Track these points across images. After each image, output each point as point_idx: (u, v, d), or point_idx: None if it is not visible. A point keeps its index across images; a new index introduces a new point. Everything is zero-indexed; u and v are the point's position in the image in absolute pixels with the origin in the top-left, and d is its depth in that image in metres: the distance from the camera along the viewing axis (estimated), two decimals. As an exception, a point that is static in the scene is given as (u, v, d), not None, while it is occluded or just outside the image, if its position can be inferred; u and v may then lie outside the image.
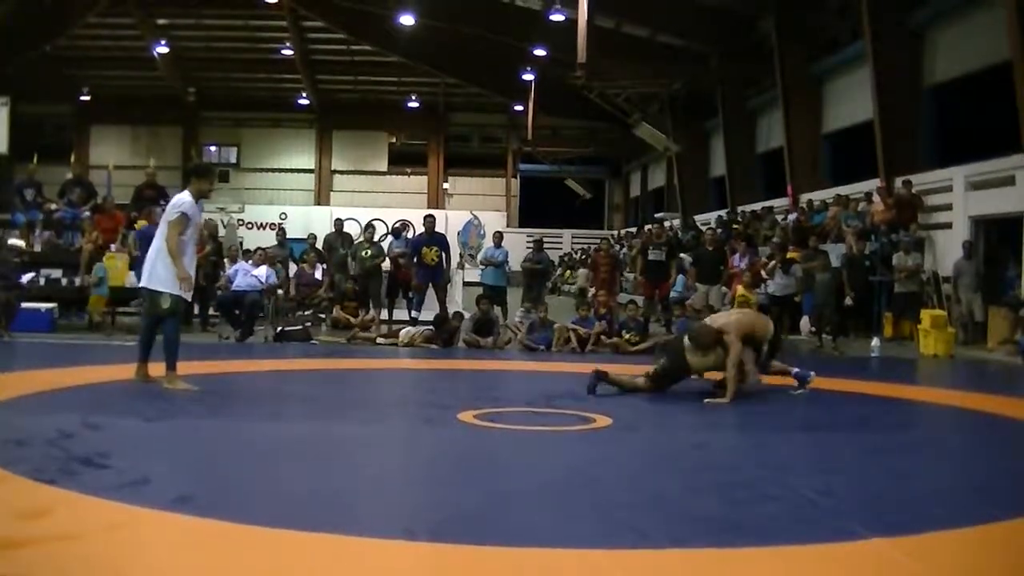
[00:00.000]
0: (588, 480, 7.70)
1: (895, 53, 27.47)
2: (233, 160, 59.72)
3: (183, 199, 11.98)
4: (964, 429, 11.56)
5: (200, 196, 12.19)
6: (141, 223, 21.44)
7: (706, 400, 12.14)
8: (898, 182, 25.80)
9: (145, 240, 17.93)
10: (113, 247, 21.86)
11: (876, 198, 26.40)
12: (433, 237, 22.47)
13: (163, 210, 13.58)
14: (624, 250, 38.44)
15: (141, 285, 12.21)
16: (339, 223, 25.58)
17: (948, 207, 24.62)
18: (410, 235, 25.97)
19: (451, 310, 21.49)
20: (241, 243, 30.97)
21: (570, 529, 6.14)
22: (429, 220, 23.00)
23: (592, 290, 25.39)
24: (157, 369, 12.02)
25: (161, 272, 11.78)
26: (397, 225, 26.06)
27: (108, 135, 57.11)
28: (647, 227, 32.83)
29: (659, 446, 9.53)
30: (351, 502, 6.84)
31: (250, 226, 48.18)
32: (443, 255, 22.28)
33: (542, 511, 6.63)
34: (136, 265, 17.88)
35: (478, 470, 8.21)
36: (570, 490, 7.32)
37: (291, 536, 5.71)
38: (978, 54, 24.78)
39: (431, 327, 20.01)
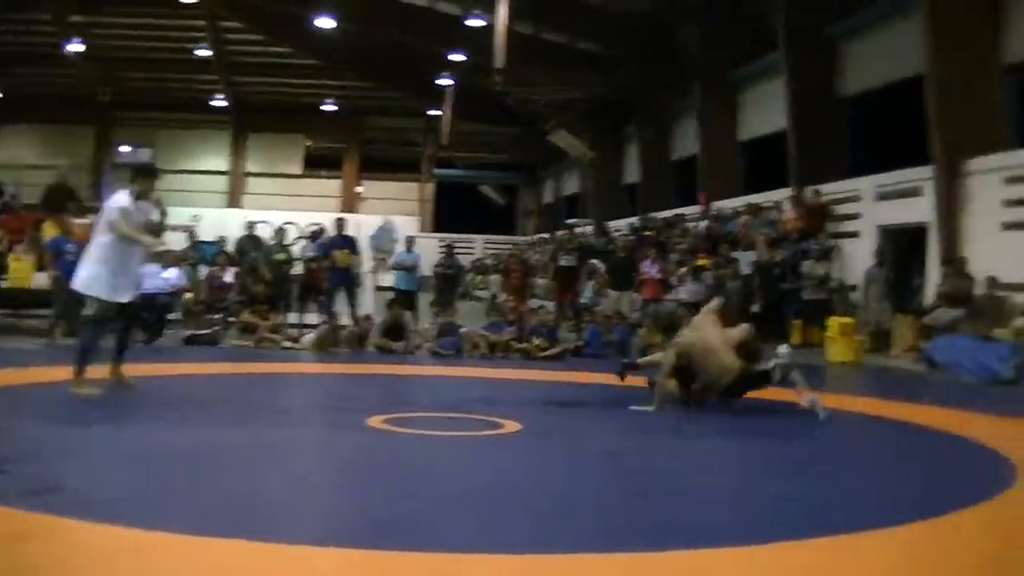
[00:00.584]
0: (499, 486, 7.73)
1: (810, 64, 27.75)
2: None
3: (120, 198, 11.96)
4: (871, 435, 11.68)
5: (141, 196, 12.14)
6: (51, 231, 21.17)
7: (631, 407, 12.14)
8: (808, 191, 26.06)
9: (56, 250, 17.86)
10: (18, 248, 21.58)
11: (787, 206, 26.65)
12: (345, 240, 22.39)
13: (74, 216, 13.48)
14: (536, 256, 38.56)
15: (73, 287, 12.17)
16: (251, 226, 25.43)
17: (856, 216, 24.91)
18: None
19: (362, 313, 21.47)
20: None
21: (483, 535, 6.18)
22: (340, 223, 22.93)
23: (503, 296, 25.47)
24: (98, 372, 11.99)
25: (86, 276, 11.77)
26: (315, 229, 25.96)
27: (19, 134, 56.32)
28: (559, 233, 32.95)
29: (570, 452, 9.54)
30: (263, 508, 6.79)
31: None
32: (354, 258, 22.16)
33: (455, 517, 6.65)
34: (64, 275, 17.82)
35: (389, 476, 8.17)
36: (482, 495, 7.34)
37: (204, 543, 5.67)
38: (891, 67, 25.07)
39: (325, 324, 20.03)
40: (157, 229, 13.66)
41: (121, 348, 12.41)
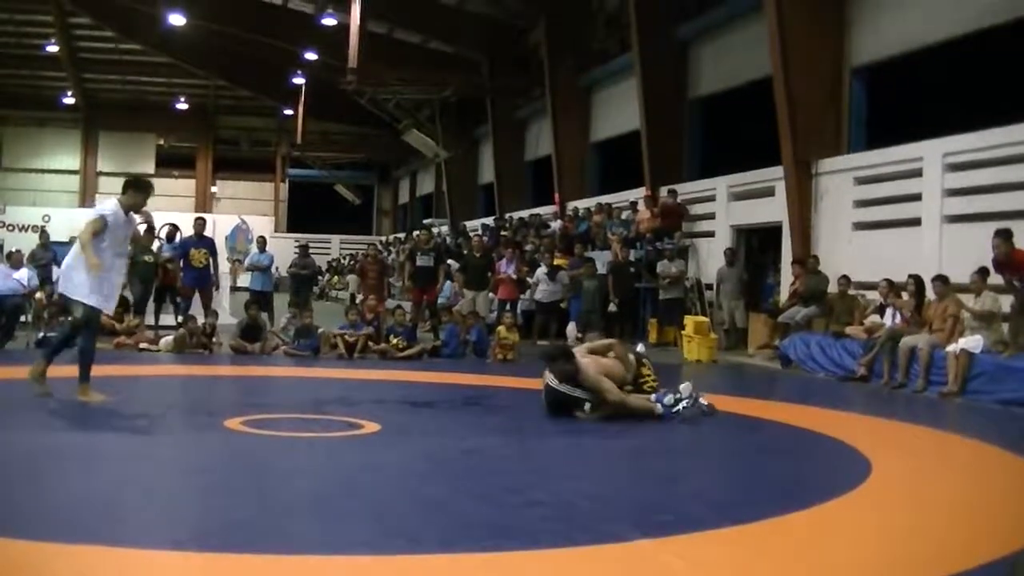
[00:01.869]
0: (358, 486, 7.69)
1: (662, 66, 27.99)
2: (-7, 159, 57.99)
3: (107, 205, 11.87)
4: (725, 432, 11.77)
5: (131, 209, 11.90)
6: None
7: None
8: (663, 191, 26.29)
9: None
10: None
11: (642, 206, 26.85)
12: (202, 240, 22.00)
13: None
14: (392, 256, 38.49)
15: (59, 291, 12.19)
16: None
17: (711, 216, 25.21)
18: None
19: (212, 314, 21.08)
20: (1, 245, 30.10)
21: (341, 535, 6.14)
22: (199, 222, 22.52)
23: (360, 296, 25.34)
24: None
25: (76, 280, 11.57)
26: (169, 230, 25.57)
27: None
28: (415, 233, 32.90)
29: (429, 451, 9.49)
30: (118, 512, 6.67)
31: (11, 228, 46.80)
32: (211, 259, 21.85)
33: (312, 518, 6.60)
34: None
35: (246, 478, 8.06)
36: (340, 496, 7.29)
37: (57, 548, 5.55)
38: (741, 68, 25.35)
39: (181, 327, 19.76)
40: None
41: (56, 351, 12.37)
